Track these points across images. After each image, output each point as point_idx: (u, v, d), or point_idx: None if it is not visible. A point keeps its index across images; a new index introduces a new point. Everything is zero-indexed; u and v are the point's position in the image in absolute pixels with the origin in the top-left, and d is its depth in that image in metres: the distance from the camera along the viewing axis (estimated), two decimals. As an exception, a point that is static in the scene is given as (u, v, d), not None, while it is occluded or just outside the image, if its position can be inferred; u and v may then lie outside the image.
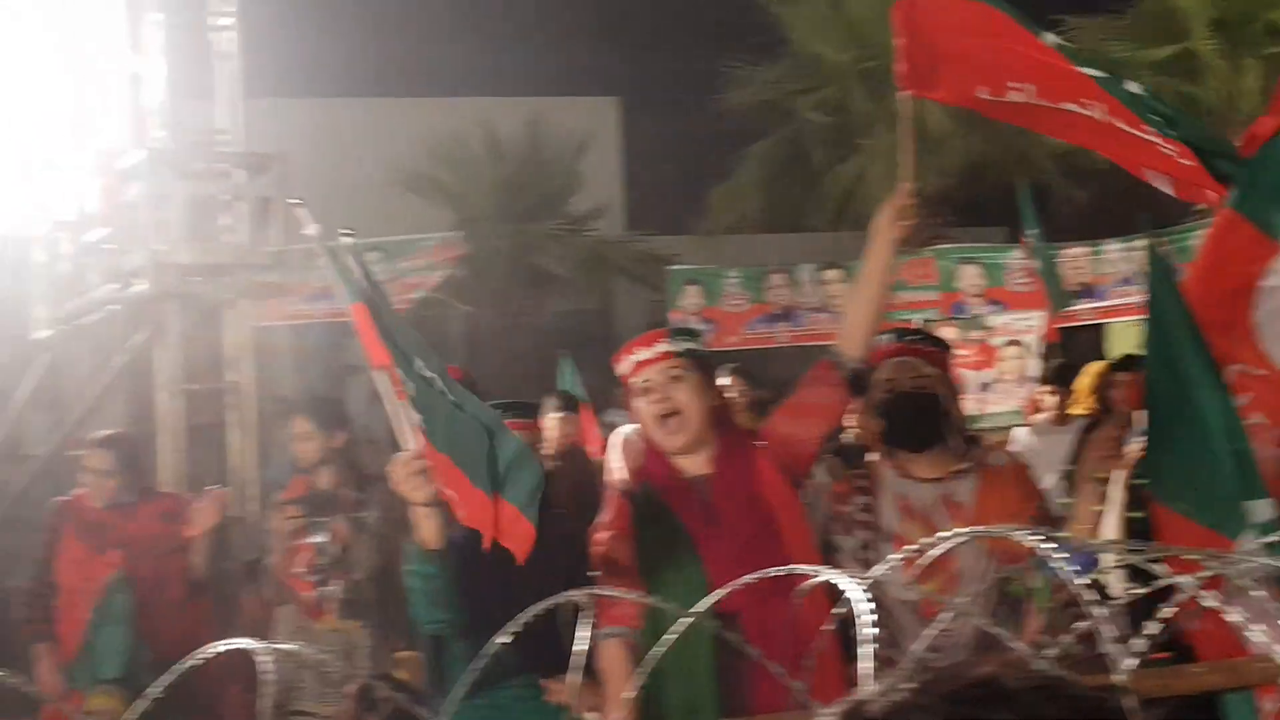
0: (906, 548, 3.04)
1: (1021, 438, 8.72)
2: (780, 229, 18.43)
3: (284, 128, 11.38)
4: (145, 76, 8.86)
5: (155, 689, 3.00)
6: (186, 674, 5.97)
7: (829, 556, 4.24)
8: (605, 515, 4.30)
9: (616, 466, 5.44)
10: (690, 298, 12.41)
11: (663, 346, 4.25)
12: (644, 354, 4.24)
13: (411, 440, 3.80)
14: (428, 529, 3.77)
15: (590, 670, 4.15)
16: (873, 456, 4.59)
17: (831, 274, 12.37)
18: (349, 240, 4.15)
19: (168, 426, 8.39)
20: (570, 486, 6.26)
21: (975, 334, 10.55)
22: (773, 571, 2.99)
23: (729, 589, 2.58)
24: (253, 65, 9.18)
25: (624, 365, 4.21)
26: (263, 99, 9.73)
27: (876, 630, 2.52)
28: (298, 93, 19.22)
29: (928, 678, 1.52)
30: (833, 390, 4.16)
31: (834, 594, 2.87)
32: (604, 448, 5.94)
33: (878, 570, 3.14)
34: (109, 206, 9.06)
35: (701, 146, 20.18)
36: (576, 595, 2.45)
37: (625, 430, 5.21)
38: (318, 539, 6.47)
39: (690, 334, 4.69)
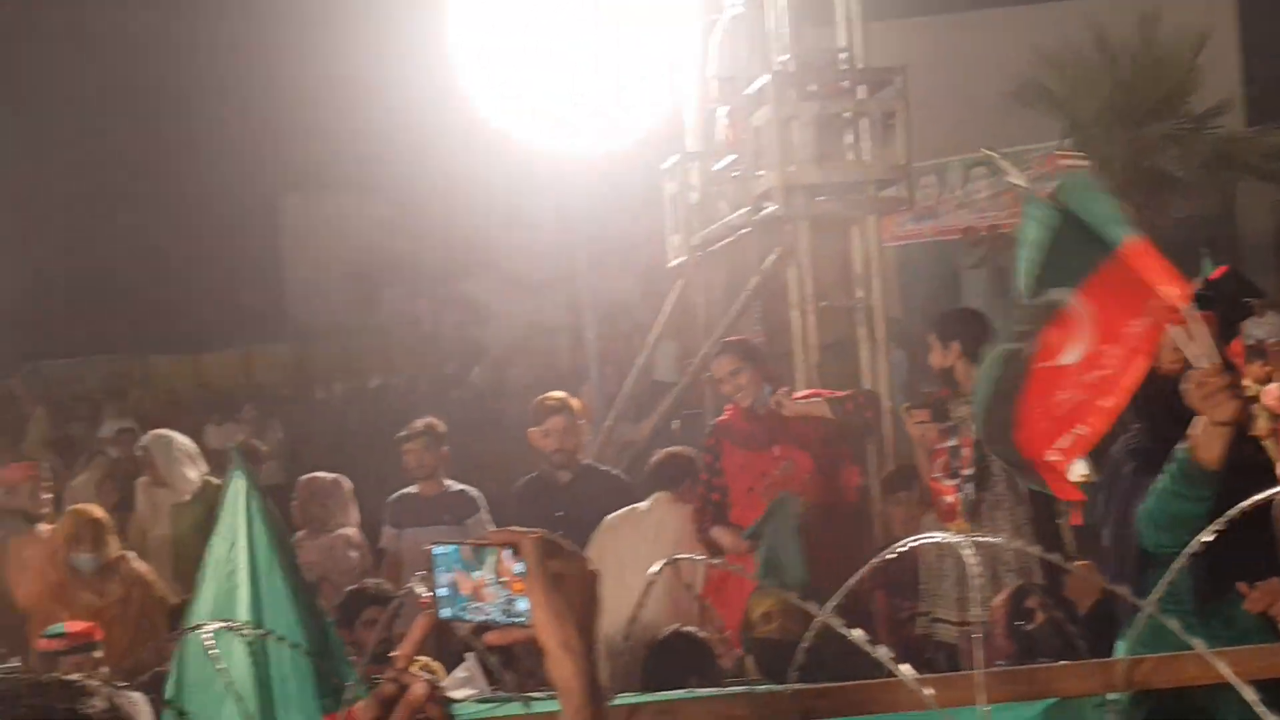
0: None
1: None
2: None
3: (898, 47, 11.33)
4: (766, 2, 9.06)
5: (836, 596, 3.04)
6: (833, 572, 6.08)
7: None
8: None
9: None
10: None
11: None
12: None
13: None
14: (1216, 449, 3.53)
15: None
16: None
17: None
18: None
19: (801, 343, 8.61)
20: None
21: None
22: None
23: None
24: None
25: None
26: (877, 21, 9.70)
27: None
28: (910, 12, 19.16)
29: None
30: None
31: None
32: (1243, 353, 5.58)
33: None
34: (736, 133, 9.37)
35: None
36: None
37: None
38: (950, 443, 6.47)
39: None
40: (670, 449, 7.55)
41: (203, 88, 25.30)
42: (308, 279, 26.88)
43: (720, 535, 6.65)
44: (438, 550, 1.92)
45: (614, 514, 6.97)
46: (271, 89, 23.84)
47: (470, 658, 4.70)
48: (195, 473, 8.59)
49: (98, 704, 1.56)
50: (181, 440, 8.75)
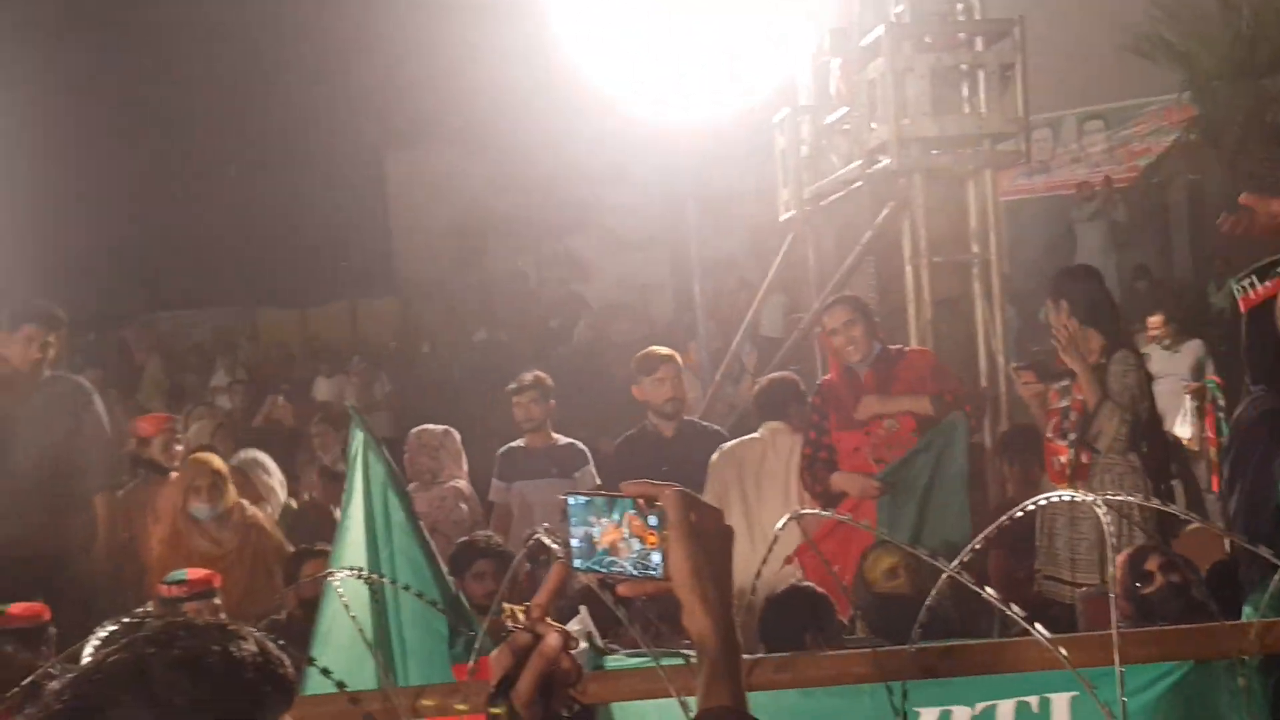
0: None
1: None
2: None
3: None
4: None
5: (963, 553, 2.99)
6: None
7: None
8: None
9: None
10: None
11: None
12: None
13: None
14: None
15: None
16: None
17: None
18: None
19: (915, 299, 8.51)
20: None
21: None
22: None
23: None
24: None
25: None
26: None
27: None
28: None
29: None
30: None
31: None
32: None
33: None
34: (848, 86, 9.25)
35: None
36: None
37: None
38: (1062, 404, 6.38)
39: None
40: (774, 374, 7.53)
41: (310, 43, 25.51)
42: (413, 234, 27.06)
43: (845, 481, 6.52)
44: (572, 501, 1.90)
45: (728, 444, 6.98)
46: (378, 45, 23.98)
47: (583, 610, 4.70)
48: (283, 493, 8.70)
49: (249, 647, 1.57)
50: (271, 463, 8.78)
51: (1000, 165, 8.87)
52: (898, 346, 7.06)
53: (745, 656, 3.05)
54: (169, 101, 26.18)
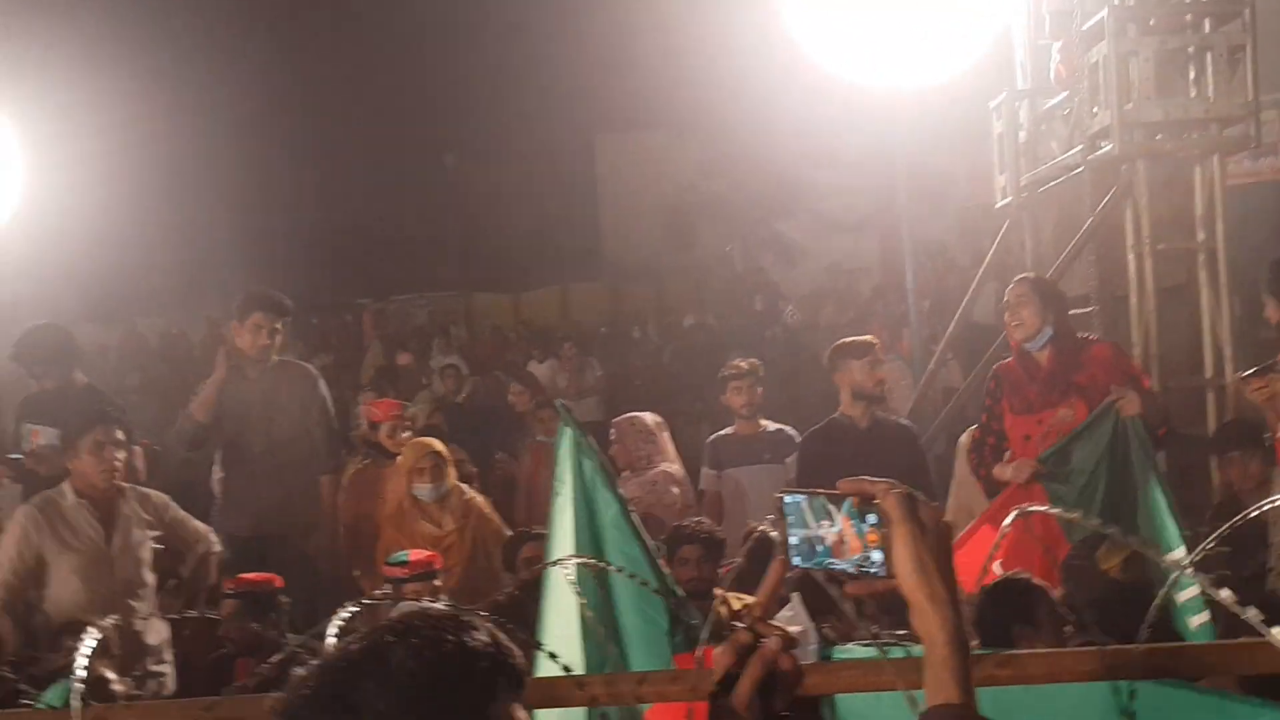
0: None
1: None
2: None
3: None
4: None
5: (1197, 552, 2.90)
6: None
7: None
8: None
9: None
10: None
11: None
12: None
13: None
14: None
15: None
16: None
17: None
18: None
19: (1137, 288, 8.29)
20: None
21: None
22: None
23: None
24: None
25: None
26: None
27: None
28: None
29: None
30: None
31: None
32: None
33: None
34: (1069, 70, 9.03)
35: None
36: None
37: None
38: (1290, 405, 6.16)
39: None
40: (1005, 361, 7.46)
41: (523, 32, 25.91)
42: (623, 219, 27.29)
43: (1004, 470, 6.44)
44: (788, 499, 1.90)
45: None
46: (589, 32, 24.24)
47: (795, 598, 4.70)
48: None
49: (482, 637, 1.61)
50: None
51: (1228, 150, 8.55)
52: (1084, 335, 6.91)
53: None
54: (391, 94, 26.89)
